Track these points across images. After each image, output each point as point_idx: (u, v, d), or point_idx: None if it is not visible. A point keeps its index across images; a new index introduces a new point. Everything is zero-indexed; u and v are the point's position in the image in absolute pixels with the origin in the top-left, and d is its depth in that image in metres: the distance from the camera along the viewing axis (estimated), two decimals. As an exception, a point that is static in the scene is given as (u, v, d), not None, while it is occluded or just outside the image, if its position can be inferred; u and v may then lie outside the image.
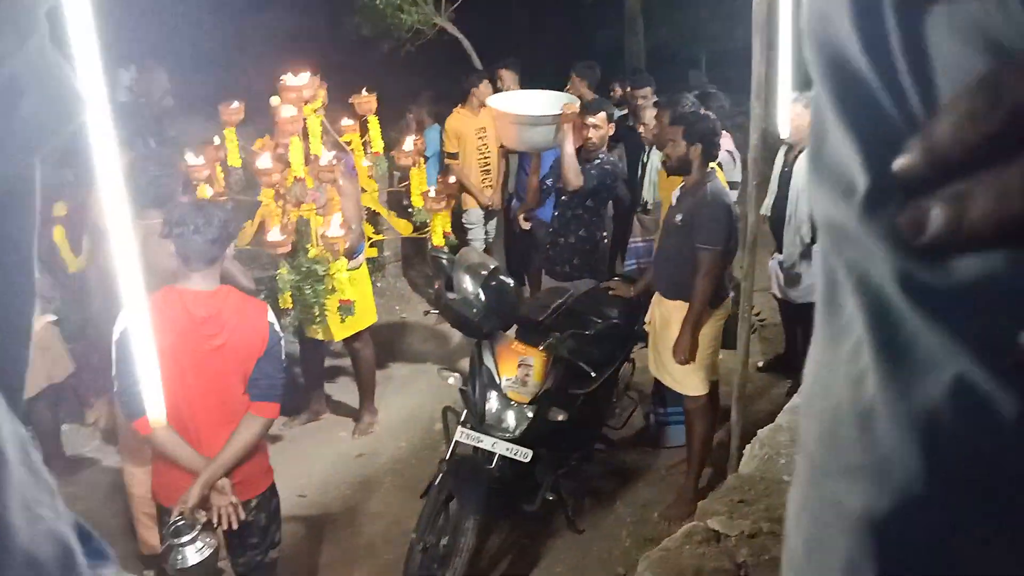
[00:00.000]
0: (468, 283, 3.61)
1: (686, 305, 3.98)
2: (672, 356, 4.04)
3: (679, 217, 3.92)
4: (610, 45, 12.96)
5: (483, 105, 6.85)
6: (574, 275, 5.04)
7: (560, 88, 6.28)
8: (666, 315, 4.12)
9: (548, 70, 7.33)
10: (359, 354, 5.19)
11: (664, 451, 4.77)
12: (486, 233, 6.98)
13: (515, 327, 4.07)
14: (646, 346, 4.45)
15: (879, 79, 0.31)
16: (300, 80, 4.42)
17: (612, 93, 7.30)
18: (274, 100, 4.53)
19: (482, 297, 3.59)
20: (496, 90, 7.10)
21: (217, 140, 4.81)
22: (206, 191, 4.48)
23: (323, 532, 4.30)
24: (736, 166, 5.36)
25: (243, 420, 2.79)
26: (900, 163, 0.27)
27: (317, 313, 4.75)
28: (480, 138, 6.75)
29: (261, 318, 2.79)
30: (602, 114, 4.89)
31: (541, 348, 3.70)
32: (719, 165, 4.40)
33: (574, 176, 4.63)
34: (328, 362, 5.82)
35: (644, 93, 6.27)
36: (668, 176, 4.23)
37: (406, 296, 7.10)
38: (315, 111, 4.54)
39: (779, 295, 4.94)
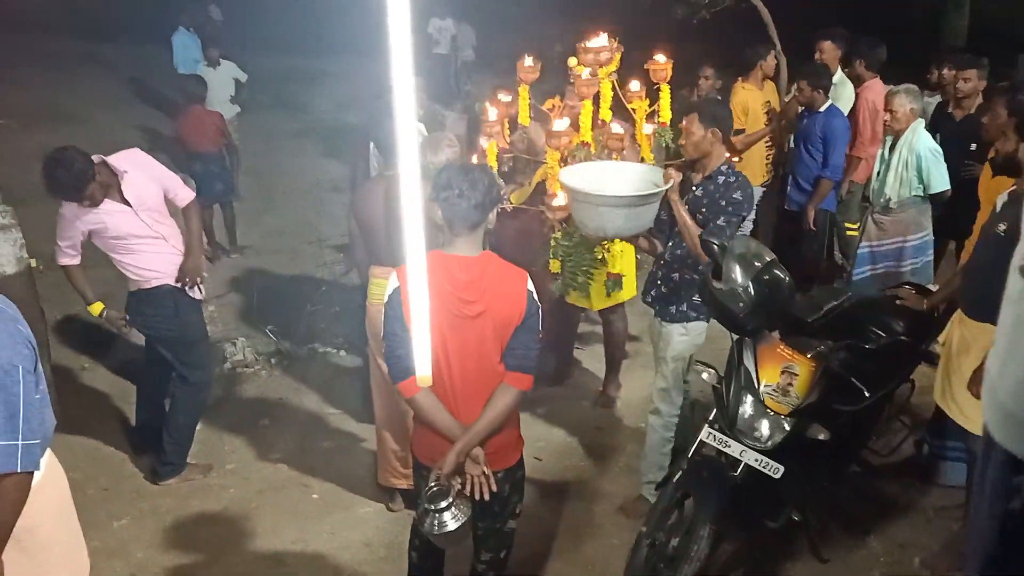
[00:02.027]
0: (738, 274, 3.24)
1: (993, 329, 3.33)
2: (967, 387, 3.42)
3: (1003, 227, 3.26)
4: (927, 19, 11.51)
5: (767, 79, 6.37)
6: None
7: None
8: (968, 338, 3.49)
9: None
10: (612, 326, 5.02)
11: (936, 489, 4.13)
12: (756, 213, 6.48)
13: (781, 327, 3.65)
14: (932, 366, 3.83)
15: None
16: (599, 42, 4.24)
17: (929, 76, 6.42)
18: (571, 61, 4.40)
19: (751, 291, 3.22)
20: (795, 64, 6.52)
21: (507, 97, 4.78)
22: (494, 147, 4.48)
23: (553, 501, 4.21)
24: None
25: (497, 390, 2.69)
26: None
27: (582, 281, 4.62)
28: (766, 113, 6.29)
29: (520, 286, 2.66)
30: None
31: (810, 356, 3.27)
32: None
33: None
34: (582, 327, 5.71)
35: (968, 76, 5.40)
36: (993, 176, 3.53)
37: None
38: (608, 75, 4.35)
39: None
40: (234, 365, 5.52)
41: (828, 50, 6.28)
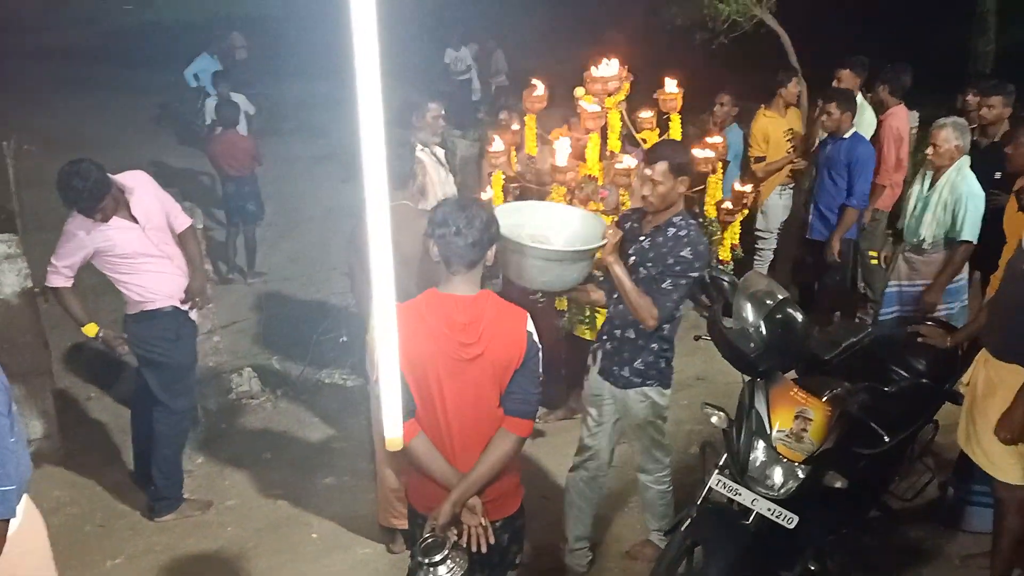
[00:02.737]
0: (749, 312, 3.08)
1: (1021, 371, 3.13)
2: (993, 431, 3.21)
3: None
4: (954, 46, 11.27)
5: (789, 106, 6.20)
6: None
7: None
8: (994, 380, 3.28)
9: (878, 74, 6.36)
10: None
11: (962, 535, 3.89)
12: (778, 245, 6.31)
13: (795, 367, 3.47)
14: (956, 404, 3.63)
15: None
16: (606, 71, 4.11)
17: (956, 103, 6.22)
18: (578, 91, 4.27)
19: (763, 330, 3.05)
20: (816, 90, 6.37)
21: (515, 125, 4.68)
22: (500, 177, 4.37)
23: (558, 542, 4.02)
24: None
25: (496, 436, 2.54)
26: None
27: (588, 314, 4.49)
28: (789, 140, 6.12)
29: (520, 327, 2.51)
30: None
31: (826, 400, 3.08)
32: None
33: (648, 315, 3.16)
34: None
35: (993, 103, 5.20)
36: (1019, 209, 3.33)
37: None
38: (617, 104, 4.22)
39: None
40: (239, 396, 5.42)
41: (847, 78, 6.12)
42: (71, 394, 5.37)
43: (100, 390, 5.51)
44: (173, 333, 4.11)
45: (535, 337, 2.52)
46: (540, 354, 2.54)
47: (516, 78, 12.68)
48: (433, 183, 4.52)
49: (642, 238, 3.27)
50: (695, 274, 3.15)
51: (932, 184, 4.70)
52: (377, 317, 1.98)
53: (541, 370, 2.56)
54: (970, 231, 4.56)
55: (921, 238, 4.73)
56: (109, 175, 3.88)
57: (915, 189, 4.88)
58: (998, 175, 4.87)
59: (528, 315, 2.55)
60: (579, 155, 4.26)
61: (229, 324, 6.33)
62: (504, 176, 4.41)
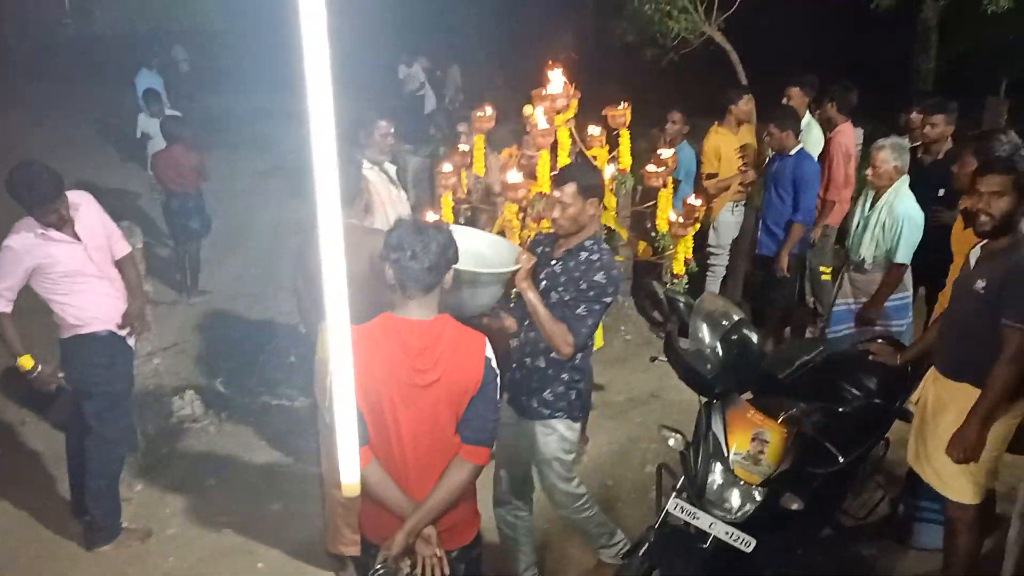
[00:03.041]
0: (705, 333, 3.06)
1: (972, 390, 3.15)
2: (944, 451, 3.23)
3: (981, 284, 3.09)
4: (895, 61, 11.55)
5: (742, 123, 6.24)
6: None
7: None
8: (944, 398, 3.30)
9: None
10: (577, 379, 4.78)
11: (914, 552, 3.91)
12: (730, 261, 6.35)
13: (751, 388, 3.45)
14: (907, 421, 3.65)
15: None
16: (554, 89, 4.09)
17: (899, 120, 6.34)
18: (527, 110, 4.25)
19: (719, 351, 3.03)
20: (766, 107, 6.42)
21: (463, 146, 4.62)
22: (449, 199, 4.30)
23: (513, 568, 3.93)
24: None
25: (451, 464, 2.47)
26: None
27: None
28: (740, 157, 6.16)
29: (478, 353, 2.44)
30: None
31: (781, 421, 3.07)
32: None
33: (563, 342, 3.04)
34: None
35: (935, 121, 5.29)
36: (965, 227, 3.36)
37: (633, 317, 6.60)
38: (566, 121, 4.20)
39: None
40: (181, 419, 5.23)
41: (796, 96, 6.22)
42: (4, 419, 5.13)
43: (34, 415, 5.26)
44: (108, 359, 3.96)
45: (494, 363, 2.45)
46: (498, 380, 2.48)
47: (471, 93, 12.68)
48: (382, 202, 4.42)
49: (553, 262, 3.18)
50: (609, 299, 3.07)
51: (872, 204, 4.76)
52: (331, 344, 1.89)
53: (499, 396, 2.49)
54: (904, 254, 4.63)
55: (862, 258, 4.78)
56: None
57: (857, 209, 4.95)
58: (942, 192, 4.97)
59: (487, 340, 2.48)
60: (531, 173, 4.22)
61: (171, 345, 6.13)
62: (454, 197, 4.34)
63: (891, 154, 4.62)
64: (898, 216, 4.59)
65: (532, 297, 2.99)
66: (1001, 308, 3.02)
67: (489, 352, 2.44)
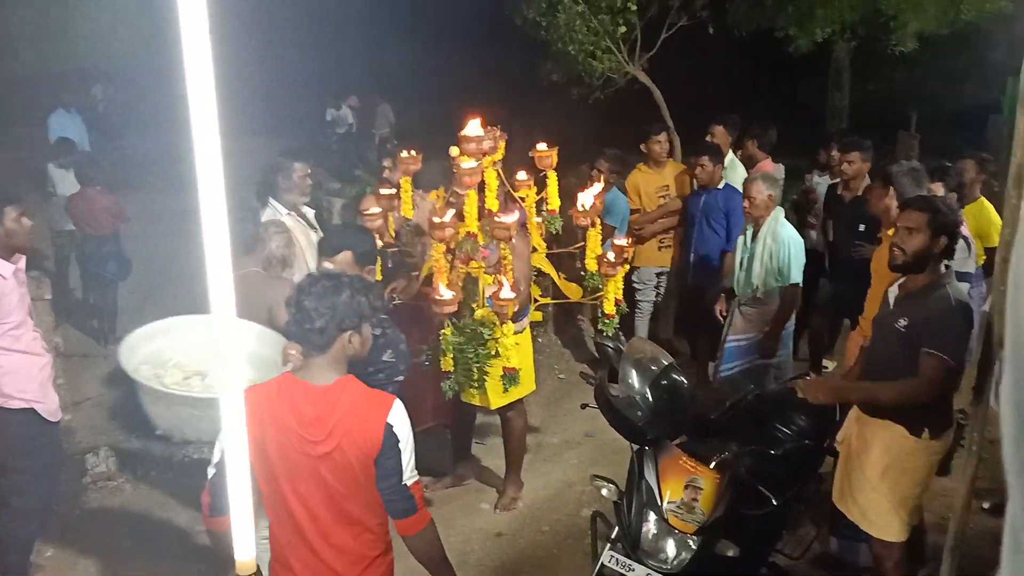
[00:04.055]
0: (635, 379, 3.01)
1: (895, 427, 3.18)
2: (868, 491, 3.24)
3: (903, 322, 3.13)
4: (812, 99, 11.94)
5: (661, 161, 6.25)
6: None
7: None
8: (866, 436, 3.32)
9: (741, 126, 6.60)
10: (511, 423, 4.69)
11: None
12: (657, 295, 6.36)
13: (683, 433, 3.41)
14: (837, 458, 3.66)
15: None
16: (478, 131, 4.02)
17: (818, 156, 6.51)
18: (453, 151, 4.16)
19: (649, 398, 2.98)
20: (692, 147, 6.51)
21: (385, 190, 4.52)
22: (376, 240, 4.20)
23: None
24: (970, 256, 4.44)
25: (412, 548, 2.40)
26: None
27: (477, 377, 4.31)
28: (661, 196, 6.20)
29: (377, 418, 2.26)
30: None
31: (714, 466, 3.02)
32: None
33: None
34: (481, 418, 5.38)
35: (852, 158, 5.43)
36: (893, 271, 3.38)
37: (566, 355, 6.56)
38: (493, 163, 4.13)
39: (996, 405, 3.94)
40: (95, 478, 4.93)
41: (720, 134, 6.31)
42: None
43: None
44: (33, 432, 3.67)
45: (397, 428, 2.27)
46: (402, 444, 2.29)
47: (403, 131, 12.63)
48: (302, 247, 4.29)
49: None
50: (400, 377, 2.97)
51: (754, 236, 4.86)
52: (222, 406, 1.74)
53: (405, 461, 2.30)
54: (796, 273, 4.77)
55: (754, 287, 4.84)
56: None
57: (739, 243, 5.05)
58: (862, 227, 5.09)
59: (394, 402, 2.31)
60: (458, 213, 4.14)
61: (84, 400, 5.81)
62: (381, 239, 4.24)
63: (764, 185, 4.76)
64: (783, 240, 4.72)
65: None
66: (924, 341, 3.05)
67: (394, 416, 2.27)
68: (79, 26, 15.65)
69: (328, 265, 2.91)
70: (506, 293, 3.66)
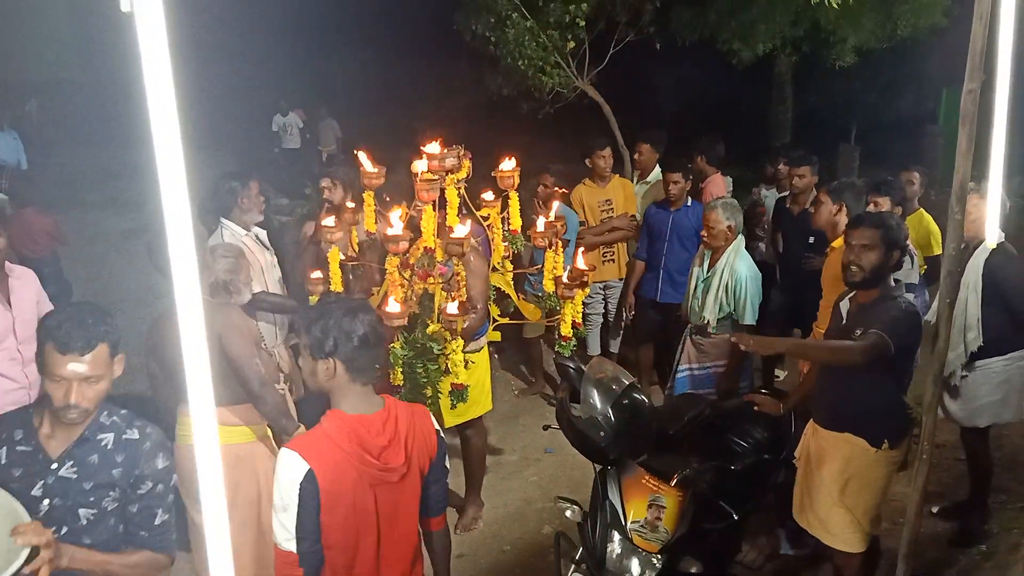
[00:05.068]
0: (597, 399, 3.03)
1: (854, 439, 3.25)
2: (826, 503, 3.30)
3: (858, 333, 3.19)
4: (755, 110, 12.20)
5: (605, 176, 6.25)
6: None
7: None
8: (825, 448, 3.39)
9: (686, 137, 6.68)
10: (469, 442, 4.68)
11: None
12: (606, 310, 6.40)
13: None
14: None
15: None
16: (434, 149, 4.01)
17: (763, 170, 6.64)
18: (415, 165, 4.12)
19: (611, 418, 3.00)
20: (626, 164, 6.58)
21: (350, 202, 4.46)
22: (337, 254, 4.14)
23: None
24: (913, 267, 4.56)
25: (435, 540, 2.45)
26: None
27: (429, 394, 4.28)
28: (604, 211, 6.22)
29: (430, 427, 2.37)
30: None
31: (675, 484, 3.05)
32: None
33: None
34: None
35: (802, 172, 5.54)
36: (850, 288, 3.45)
37: (524, 374, 6.56)
38: (457, 182, 4.09)
39: (942, 412, 4.07)
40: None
41: (646, 152, 6.36)
42: None
43: None
44: None
45: (442, 433, 2.42)
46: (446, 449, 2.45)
47: (348, 145, 12.52)
48: (260, 270, 4.22)
49: (54, 465, 2.16)
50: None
51: (711, 265, 4.64)
52: (198, 447, 1.67)
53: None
54: (751, 314, 4.56)
55: (706, 320, 4.64)
56: None
57: (695, 271, 4.79)
58: (812, 239, 5.20)
59: (428, 410, 2.45)
60: (416, 227, 4.12)
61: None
62: (343, 255, 4.17)
63: (723, 214, 4.52)
64: (740, 276, 4.51)
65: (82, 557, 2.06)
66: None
67: (435, 423, 2.40)
68: (10, 39, 15.21)
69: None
70: (452, 309, 3.63)
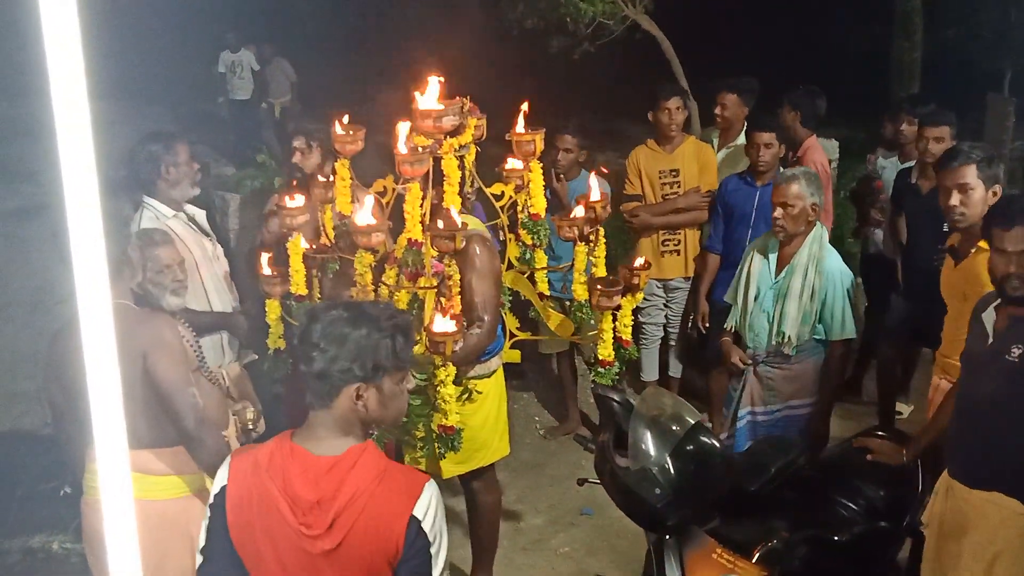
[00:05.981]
0: (651, 445, 3.04)
1: (1004, 501, 3.24)
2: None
3: (1017, 350, 3.18)
4: (871, 50, 12.14)
5: (669, 138, 6.21)
6: None
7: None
8: (966, 513, 3.38)
9: (778, 87, 6.64)
10: (476, 499, 4.69)
11: None
12: (665, 318, 6.37)
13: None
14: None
15: None
16: (428, 104, 3.97)
17: (883, 130, 6.59)
18: (402, 127, 4.05)
19: (671, 470, 3.01)
20: (706, 119, 6.55)
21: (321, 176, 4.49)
22: (300, 244, 4.15)
23: None
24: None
25: None
26: None
27: (423, 436, 4.27)
28: (668, 184, 6.13)
29: (401, 510, 2.27)
30: None
31: (756, 559, 3.06)
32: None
33: None
34: (446, 496, 5.37)
35: (940, 134, 5.46)
36: (1011, 303, 3.42)
37: (553, 407, 6.59)
38: (456, 149, 4.03)
39: None
40: None
41: (732, 105, 6.27)
42: None
43: None
44: None
45: (427, 523, 2.29)
46: (433, 547, 2.32)
47: (308, 97, 12.61)
48: (196, 263, 4.25)
49: None
50: None
51: (783, 262, 4.55)
52: (103, 479, 1.73)
53: (436, 571, 2.33)
54: (851, 323, 4.45)
55: (784, 338, 4.46)
56: None
57: (753, 269, 4.67)
58: (946, 227, 5.11)
59: (426, 486, 2.32)
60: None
61: None
62: (310, 244, 4.19)
63: (807, 188, 4.39)
64: (831, 274, 4.42)
65: None
66: None
67: (423, 506, 2.29)
68: None
69: None
70: (441, 325, 3.57)
